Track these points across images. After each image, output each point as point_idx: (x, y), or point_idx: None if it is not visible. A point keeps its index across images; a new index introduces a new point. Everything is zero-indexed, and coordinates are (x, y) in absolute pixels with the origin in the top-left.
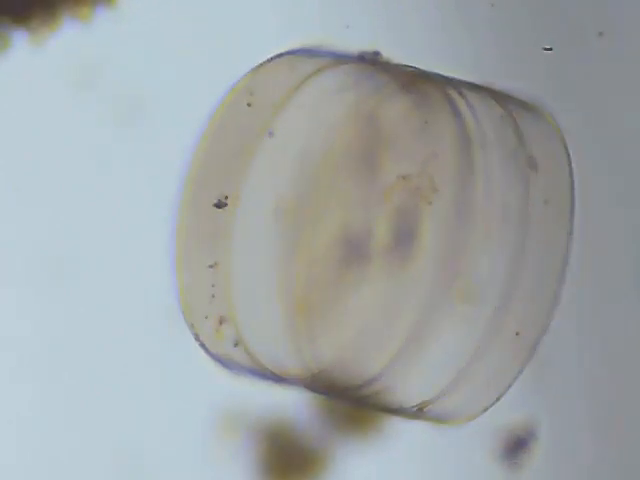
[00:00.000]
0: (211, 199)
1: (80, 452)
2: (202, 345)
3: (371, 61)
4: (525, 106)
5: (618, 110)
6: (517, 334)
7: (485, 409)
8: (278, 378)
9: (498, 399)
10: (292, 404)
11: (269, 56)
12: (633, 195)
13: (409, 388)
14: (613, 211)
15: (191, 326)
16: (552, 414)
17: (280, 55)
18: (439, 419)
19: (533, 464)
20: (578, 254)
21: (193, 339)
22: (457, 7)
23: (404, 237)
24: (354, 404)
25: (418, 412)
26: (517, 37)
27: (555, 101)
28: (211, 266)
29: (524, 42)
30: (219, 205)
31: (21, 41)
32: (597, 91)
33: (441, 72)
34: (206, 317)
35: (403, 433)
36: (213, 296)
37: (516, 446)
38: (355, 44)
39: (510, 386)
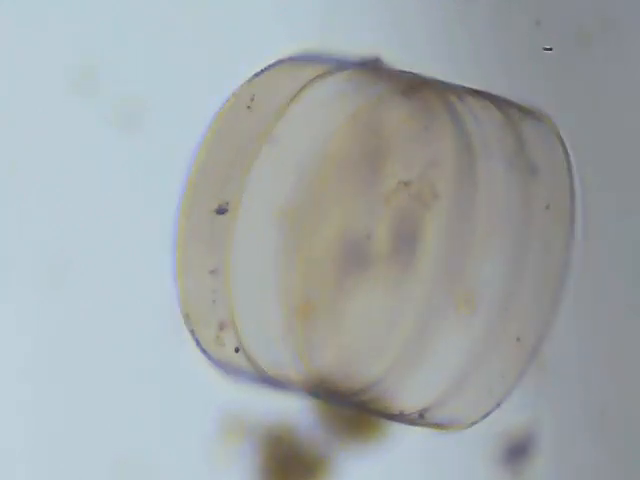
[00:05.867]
0: (212, 205)
1: (82, 457)
2: (203, 351)
3: (372, 67)
4: (525, 111)
5: (618, 110)
6: (518, 339)
7: (486, 414)
8: (279, 383)
9: (499, 404)
10: (293, 409)
11: (270, 62)
12: (633, 197)
13: (409, 393)
14: (614, 214)
15: (192, 332)
16: (552, 419)
17: (281, 61)
18: (440, 425)
19: (534, 469)
20: (578, 258)
21: (194, 345)
22: (457, 8)
23: (404, 242)
24: (355, 409)
25: (419, 417)
26: (517, 38)
27: (555, 101)
28: (212, 272)
29: (524, 43)
30: (220, 211)
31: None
32: (597, 91)
33: (441, 75)
34: (207, 323)
35: (404, 438)
36: (214, 302)
37: (517, 451)
38: (356, 50)
39: (511, 391)
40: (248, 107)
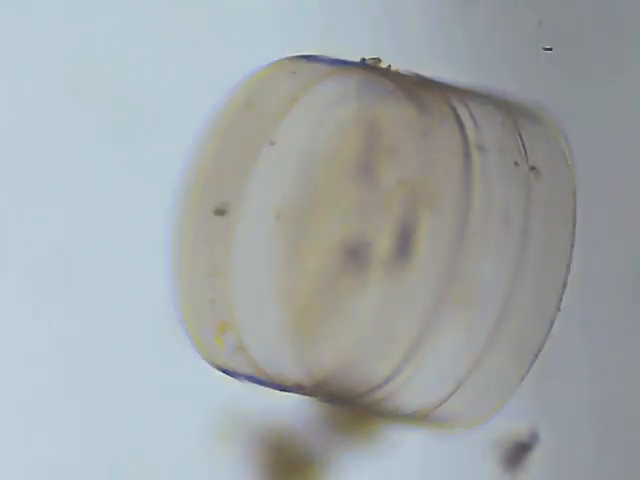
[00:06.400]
0: (211, 206)
1: (81, 456)
2: (202, 352)
3: (372, 68)
4: (525, 111)
5: (618, 110)
6: (519, 340)
7: (488, 415)
8: (279, 385)
9: (501, 405)
10: (293, 410)
11: (270, 62)
12: (634, 197)
13: (411, 394)
14: (614, 214)
15: (191, 333)
16: (552, 419)
17: (281, 61)
18: (441, 426)
19: (535, 471)
20: (579, 259)
21: (193, 345)
22: (457, 9)
23: (404, 242)
24: (356, 411)
25: (420, 419)
26: (517, 38)
27: (555, 101)
28: (212, 272)
29: (524, 43)
30: (219, 211)
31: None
32: (597, 92)
33: (441, 75)
34: (206, 323)
35: (404, 440)
36: (213, 302)
37: (518, 453)
38: (356, 51)
39: (513, 392)
40: (248, 107)
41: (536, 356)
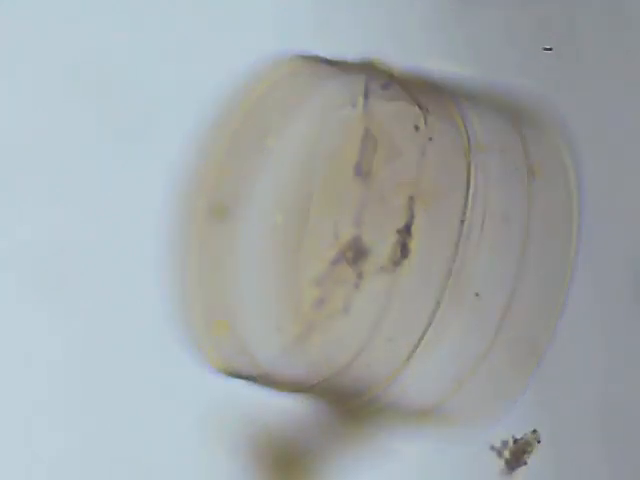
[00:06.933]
0: (211, 207)
1: (80, 456)
2: (202, 353)
3: (372, 68)
4: (527, 113)
5: (619, 111)
6: (521, 341)
7: (490, 417)
8: (280, 385)
9: (504, 406)
10: (294, 411)
11: (269, 62)
12: (635, 198)
13: (411, 394)
14: (615, 215)
15: (191, 333)
16: (554, 421)
17: (281, 61)
18: (442, 426)
19: (535, 471)
20: (579, 260)
21: (193, 346)
22: (457, 8)
23: (404, 243)
24: (356, 411)
25: (420, 419)
26: (517, 38)
27: (555, 102)
28: (211, 272)
29: (524, 43)
30: (219, 213)
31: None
32: (598, 92)
33: (441, 74)
34: (206, 324)
35: (404, 440)
36: (213, 303)
37: (518, 453)
38: (355, 50)
39: (518, 393)
40: (248, 107)
41: (540, 357)
